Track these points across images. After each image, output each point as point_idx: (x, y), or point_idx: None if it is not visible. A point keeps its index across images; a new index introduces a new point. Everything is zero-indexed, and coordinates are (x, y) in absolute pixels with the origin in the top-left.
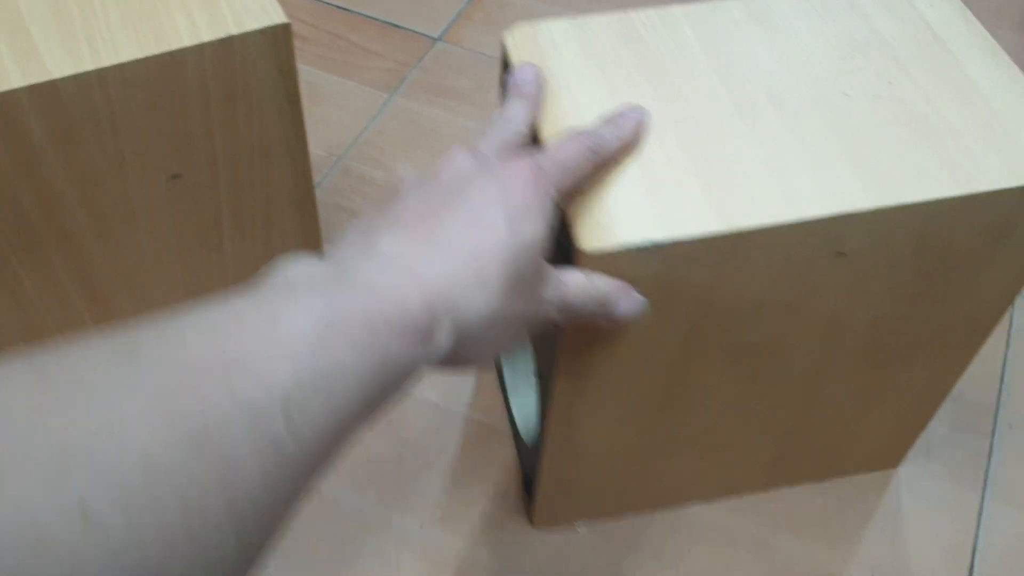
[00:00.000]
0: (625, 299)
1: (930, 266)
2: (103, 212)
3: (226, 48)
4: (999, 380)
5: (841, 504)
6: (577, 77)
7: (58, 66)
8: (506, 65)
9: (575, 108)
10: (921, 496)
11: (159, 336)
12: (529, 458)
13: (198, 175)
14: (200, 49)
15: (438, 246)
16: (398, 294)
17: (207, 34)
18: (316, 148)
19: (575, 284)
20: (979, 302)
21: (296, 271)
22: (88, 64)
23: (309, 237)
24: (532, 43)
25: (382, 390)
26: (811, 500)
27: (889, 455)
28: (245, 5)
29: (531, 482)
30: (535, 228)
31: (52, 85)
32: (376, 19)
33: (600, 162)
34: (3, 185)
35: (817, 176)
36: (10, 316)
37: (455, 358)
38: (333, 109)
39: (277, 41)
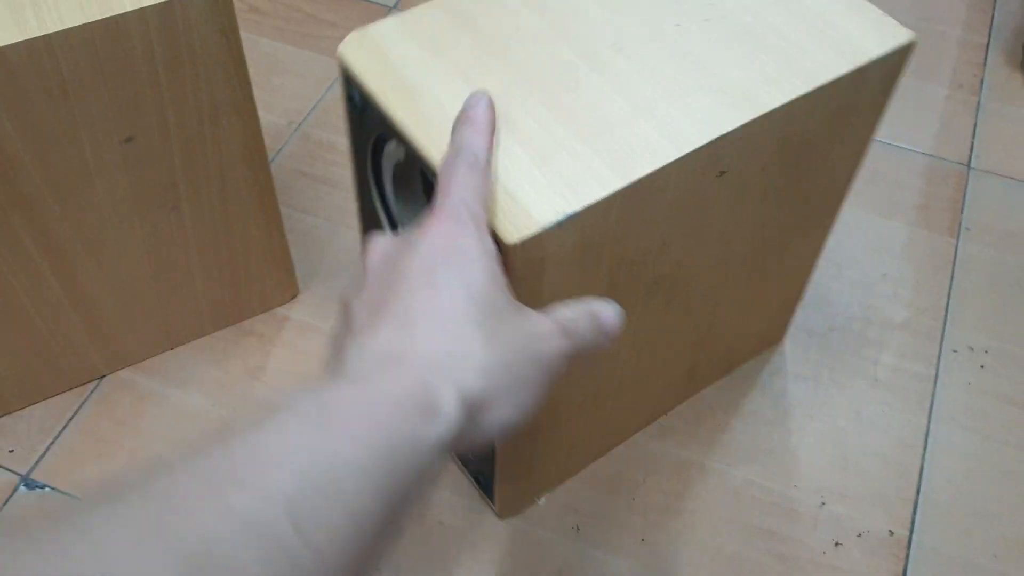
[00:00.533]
0: (604, 306)
1: (792, 161)
2: (60, 176)
3: (167, 11)
4: (944, 309)
5: (788, 432)
6: (427, 73)
7: (5, 34)
8: (347, 78)
9: (437, 104)
10: (869, 422)
11: (145, 474)
12: (475, 463)
13: (150, 137)
14: (142, 13)
15: (403, 326)
16: (386, 377)
17: None
18: (276, 116)
19: (559, 308)
20: (832, 178)
21: (277, 397)
22: (34, 31)
23: (263, 195)
24: (371, 48)
25: (401, 480)
26: (757, 429)
27: (774, 332)
28: None
29: (485, 482)
30: (481, 268)
31: (0, 53)
32: None
33: (485, 166)
34: None
35: (683, 108)
36: None
37: (483, 426)
38: (291, 78)
39: (217, 3)
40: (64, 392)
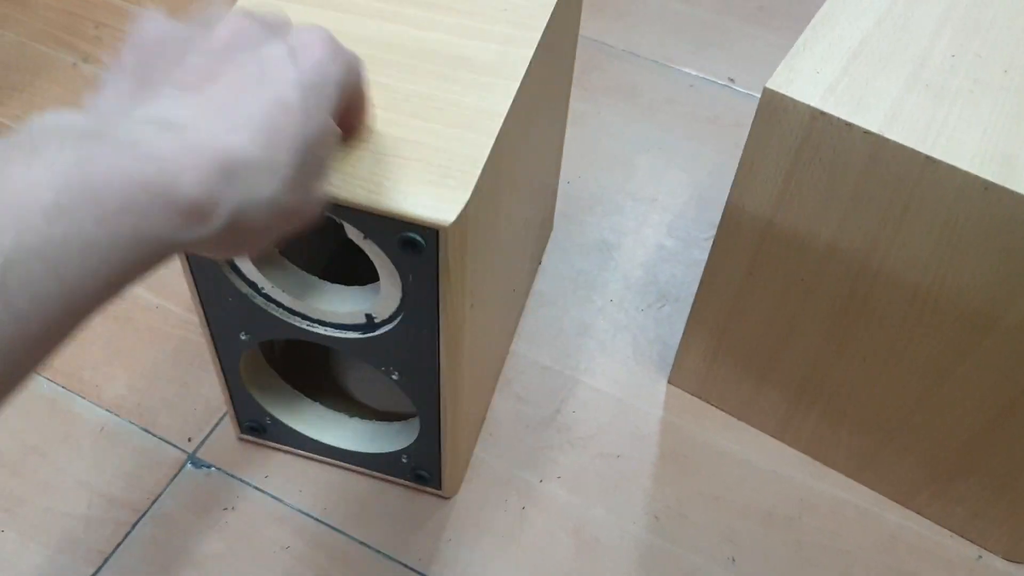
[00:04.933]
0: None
1: None
2: None
3: None
4: None
5: None
6: None
7: None
8: None
9: None
10: None
11: None
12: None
13: None
14: None
15: (223, 112)
16: (170, 160)
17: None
18: None
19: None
20: None
21: (50, 121)
22: None
23: None
24: None
25: (129, 268)
26: None
27: None
28: None
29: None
30: (326, 112)
31: None
32: None
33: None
34: None
35: None
36: None
37: (223, 243)
38: None
39: None
40: None
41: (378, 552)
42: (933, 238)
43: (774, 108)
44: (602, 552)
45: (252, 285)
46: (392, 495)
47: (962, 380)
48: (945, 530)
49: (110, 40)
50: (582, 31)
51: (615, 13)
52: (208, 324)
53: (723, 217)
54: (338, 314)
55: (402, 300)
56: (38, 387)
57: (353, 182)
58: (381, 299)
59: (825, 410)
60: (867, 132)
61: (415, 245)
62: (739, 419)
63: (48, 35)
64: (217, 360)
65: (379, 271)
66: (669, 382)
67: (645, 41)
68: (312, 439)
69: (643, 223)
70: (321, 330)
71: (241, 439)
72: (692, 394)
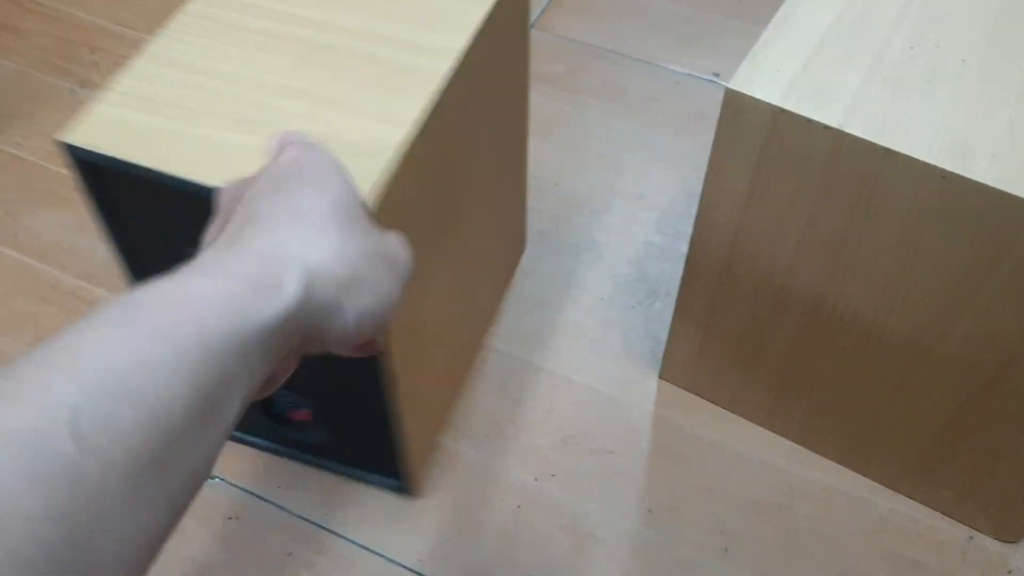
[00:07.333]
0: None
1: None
2: None
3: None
4: None
5: None
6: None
7: None
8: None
9: None
10: None
11: None
12: None
13: None
14: None
15: (252, 224)
16: (224, 264)
17: None
18: None
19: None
20: None
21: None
22: None
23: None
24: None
25: (219, 369)
26: None
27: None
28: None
29: None
30: (336, 178)
31: None
32: None
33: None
34: None
35: None
36: None
37: (338, 311)
38: None
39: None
40: None
41: (378, 555)
42: (898, 228)
43: (736, 108)
44: (597, 547)
45: None
46: (388, 499)
47: (936, 366)
48: (936, 513)
49: (107, 65)
50: (566, 33)
51: (598, 13)
52: None
53: (697, 216)
54: None
55: None
56: None
57: None
58: None
59: (810, 400)
60: (827, 127)
61: None
62: (729, 411)
63: (45, 63)
64: None
65: None
66: (660, 377)
67: (629, 40)
68: None
69: (631, 220)
70: None
71: None
72: (682, 388)
